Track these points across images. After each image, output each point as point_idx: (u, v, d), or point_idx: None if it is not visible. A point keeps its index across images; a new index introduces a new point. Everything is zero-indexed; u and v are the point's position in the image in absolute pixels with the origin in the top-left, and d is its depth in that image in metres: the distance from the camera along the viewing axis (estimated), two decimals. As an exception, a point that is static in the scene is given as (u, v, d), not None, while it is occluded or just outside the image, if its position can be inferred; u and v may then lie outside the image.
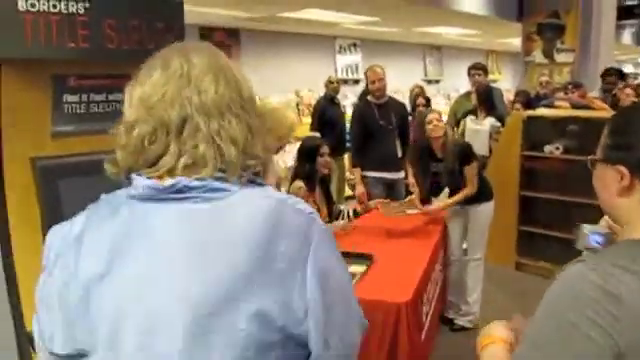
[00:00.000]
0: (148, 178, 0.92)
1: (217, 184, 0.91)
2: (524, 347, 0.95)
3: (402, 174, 4.70)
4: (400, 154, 4.68)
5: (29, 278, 1.60)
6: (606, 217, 1.21)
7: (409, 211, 3.79)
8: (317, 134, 6.00)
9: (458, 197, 3.66)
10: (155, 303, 0.86)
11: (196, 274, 0.86)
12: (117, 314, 0.87)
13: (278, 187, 3.12)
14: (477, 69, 5.74)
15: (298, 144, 6.53)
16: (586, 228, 1.25)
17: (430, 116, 3.64)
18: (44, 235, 1.86)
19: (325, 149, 3.51)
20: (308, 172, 3.46)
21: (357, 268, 2.96)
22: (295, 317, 0.87)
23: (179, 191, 0.90)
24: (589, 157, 1.06)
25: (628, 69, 19.04)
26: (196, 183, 0.90)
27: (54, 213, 1.94)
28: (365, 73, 4.78)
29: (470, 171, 3.63)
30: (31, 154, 1.88)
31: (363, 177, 4.67)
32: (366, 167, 4.68)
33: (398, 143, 4.69)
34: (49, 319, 0.94)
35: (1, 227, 1.84)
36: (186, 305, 0.85)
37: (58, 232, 0.98)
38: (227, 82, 0.97)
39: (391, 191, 4.71)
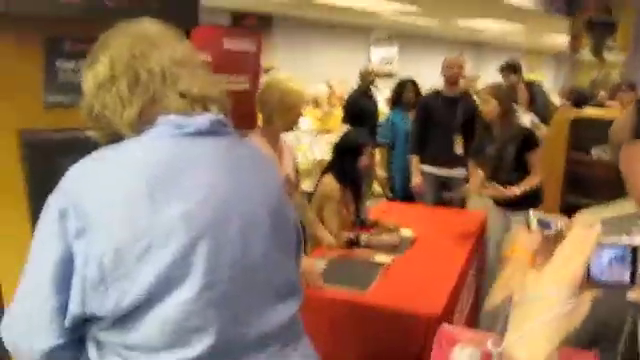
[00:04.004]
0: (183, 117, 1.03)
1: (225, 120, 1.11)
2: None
3: (459, 172, 4.39)
4: (460, 152, 4.38)
5: (10, 264, 1.40)
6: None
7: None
8: (349, 127, 5.74)
9: (525, 185, 3.32)
10: (250, 201, 1.06)
11: (262, 184, 1.11)
12: (223, 213, 1.00)
13: (296, 181, 2.86)
14: (507, 69, 5.46)
15: (327, 136, 6.27)
16: (532, 213, 1.19)
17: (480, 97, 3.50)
18: (32, 217, 1.64)
19: (368, 148, 3.23)
20: (346, 169, 3.19)
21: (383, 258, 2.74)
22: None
23: (225, 125, 1.09)
24: (620, 143, 1.03)
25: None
26: (224, 119, 1.10)
27: (43, 194, 1.74)
28: (445, 59, 4.47)
29: (535, 157, 3.34)
30: (20, 126, 1.67)
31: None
32: (421, 160, 4.48)
33: (460, 140, 4.39)
34: (131, 276, 0.91)
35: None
36: (267, 202, 1.09)
37: (90, 195, 0.94)
38: (183, 42, 1.12)
39: (445, 189, 4.43)
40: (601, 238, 0.65)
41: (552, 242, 1.20)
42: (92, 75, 1.07)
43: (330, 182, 3.13)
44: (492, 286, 1.14)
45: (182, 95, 1.05)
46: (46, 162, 1.67)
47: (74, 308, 0.92)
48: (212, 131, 1.05)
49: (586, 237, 0.65)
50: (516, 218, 3.38)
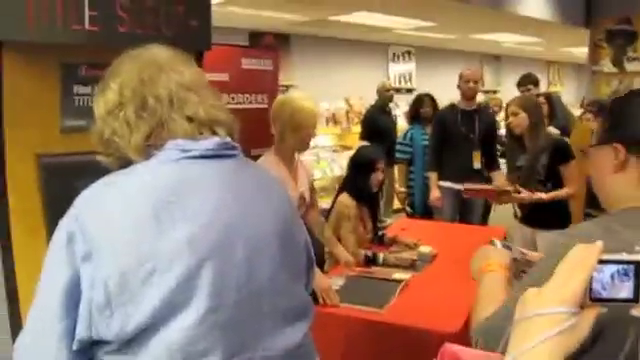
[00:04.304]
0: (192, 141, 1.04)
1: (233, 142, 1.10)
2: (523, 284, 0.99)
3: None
4: (479, 166, 4.35)
5: (30, 283, 1.42)
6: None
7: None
8: (366, 144, 5.74)
9: (557, 193, 3.27)
10: (256, 224, 1.05)
11: (270, 207, 1.11)
12: (228, 237, 0.99)
13: (312, 199, 2.86)
14: (525, 85, 5.37)
15: (346, 153, 6.28)
16: (496, 242, 1.36)
17: (508, 110, 3.47)
18: (48, 239, 1.67)
19: (381, 164, 3.21)
20: (360, 186, 3.18)
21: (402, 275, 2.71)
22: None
23: (232, 148, 1.08)
24: (586, 147, 1.12)
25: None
26: (231, 142, 1.09)
27: (60, 217, 1.77)
28: (461, 73, 4.43)
29: (569, 170, 3.28)
30: (38, 151, 1.71)
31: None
32: (439, 175, 4.39)
33: (478, 155, 4.36)
34: (136, 299, 0.90)
35: (1, 229, 1.66)
36: (274, 224, 1.08)
37: (95, 222, 0.94)
38: (191, 66, 1.13)
39: (463, 205, 4.40)
40: (603, 254, 0.64)
41: (521, 265, 1.24)
42: (103, 102, 1.09)
43: (346, 200, 3.13)
44: (476, 301, 1.17)
45: (189, 119, 1.06)
46: (63, 185, 1.70)
47: (81, 332, 0.92)
48: (218, 154, 1.05)
49: (587, 253, 0.65)
50: (542, 235, 3.32)
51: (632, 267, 0.64)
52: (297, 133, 2.53)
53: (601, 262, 0.64)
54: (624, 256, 0.65)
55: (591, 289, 0.64)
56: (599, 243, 0.65)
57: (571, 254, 0.66)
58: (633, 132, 0.99)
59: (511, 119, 3.39)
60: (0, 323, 1.69)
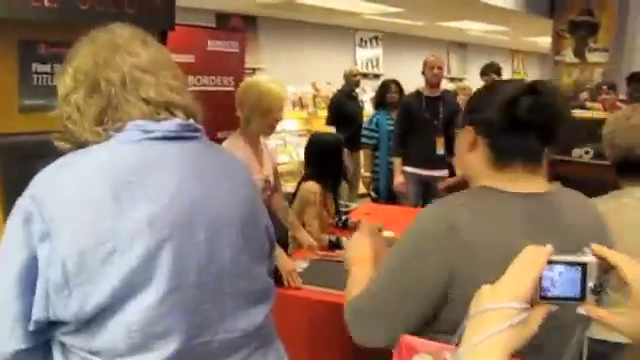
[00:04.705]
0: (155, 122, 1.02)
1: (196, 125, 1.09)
2: (380, 273, 1.15)
3: (442, 172, 4.47)
4: (442, 152, 4.45)
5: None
6: None
7: None
8: (332, 128, 5.76)
9: None
10: (218, 207, 1.05)
11: (233, 190, 1.10)
12: (189, 218, 0.99)
13: (276, 183, 2.87)
14: (488, 74, 5.51)
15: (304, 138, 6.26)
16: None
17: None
18: (5, 219, 1.64)
19: (345, 151, 3.28)
20: (329, 173, 3.19)
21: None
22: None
23: (194, 130, 1.08)
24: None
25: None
26: (194, 124, 1.08)
27: (18, 197, 1.73)
28: (425, 60, 4.51)
29: None
30: (-4, 130, 1.66)
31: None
32: (403, 161, 4.51)
33: (442, 141, 4.45)
34: (94, 279, 0.90)
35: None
36: (237, 207, 1.09)
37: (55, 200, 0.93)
38: (151, 46, 1.09)
39: (427, 190, 4.48)
40: (552, 255, 0.68)
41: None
42: (62, 86, 1.07)
43: (311, 187, 3.12)
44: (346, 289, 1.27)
45: (145, 101, 1.04)
46: (21, 165, 1.67)
47: (38, 312, 0.91)
48: (181, 136, 1.04)
49: (538, 253, 0.68)
50: None
51: (579, 268, 0.68)
52: (264, 117, 2.52)
53: (550, 262, 0.68)
54: (572, 257, 0.69)
55: (541, 287, 0.68)
56: (549, 246, 0.69)
57: (523, 254, 0.70)
58: (480, 116, 1.12)
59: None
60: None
